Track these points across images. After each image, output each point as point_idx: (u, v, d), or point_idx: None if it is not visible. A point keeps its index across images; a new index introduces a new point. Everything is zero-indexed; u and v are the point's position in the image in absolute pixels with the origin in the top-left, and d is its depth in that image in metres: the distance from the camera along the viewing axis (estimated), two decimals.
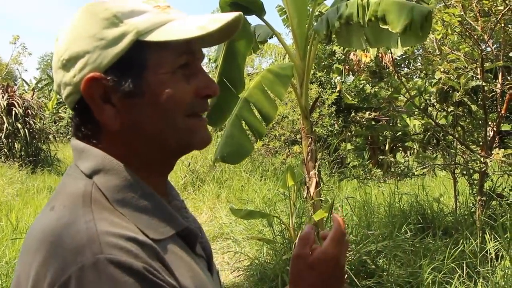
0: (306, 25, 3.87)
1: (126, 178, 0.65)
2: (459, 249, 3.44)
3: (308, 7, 3.99)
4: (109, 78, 0.64)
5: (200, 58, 0.72)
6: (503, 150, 3.44)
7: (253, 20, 4.19)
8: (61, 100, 18.39)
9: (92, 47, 0.64)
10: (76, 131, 0.70)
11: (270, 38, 4.34)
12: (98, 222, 0.58)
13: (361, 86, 9.04)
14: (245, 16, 3.75)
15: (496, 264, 3.20)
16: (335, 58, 9.33)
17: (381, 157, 9.12)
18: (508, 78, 3.67)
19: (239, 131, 3.18)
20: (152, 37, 0.64)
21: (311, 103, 4.21)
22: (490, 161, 3.34)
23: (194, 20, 0.67)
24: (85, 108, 0.67)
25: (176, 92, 0.67)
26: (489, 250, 3.29)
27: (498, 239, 3.41)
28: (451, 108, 4.07)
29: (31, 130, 10.06)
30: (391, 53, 4.38)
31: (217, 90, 0.72)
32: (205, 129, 0.73)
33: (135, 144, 0.69)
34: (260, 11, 3.62)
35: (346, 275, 3.44)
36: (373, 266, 3.59)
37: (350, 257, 3.69)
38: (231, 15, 0.68)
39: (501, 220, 3.43)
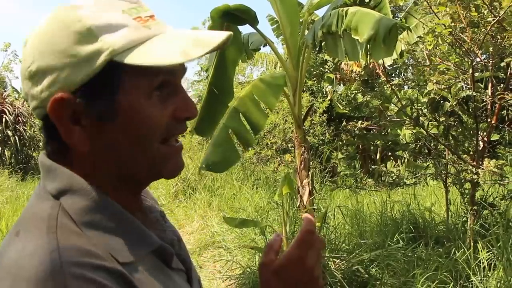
0: (299, 35, 3.88)
1: (94, 199, 0.61)
2: (452, 258, 3.45)
3: (300, 17, 4.01)
4: (78, 99, 0.59)
5: (180, 75, 0.67)
6: (494, 160, 3.47)
7: (245, 28, 4.20)
8: None
9: (61, 64, 0.58)
10: (45, 145, 0.66)
11: (263, 46, 4.37)
12: (62, 252, 0.54)
13: (352, 95, 9.10)
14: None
15: (489, 274, 3.22)
16: (326, 67, 9.40)
17: (372, 166, 9.19)
18: (498, 88, 3.72)
19: (225, 140, 3.15)
20: (128, 59, 0.58)
21: (303, 112, 4.22)
22: (482, 170, 3.36)
23: (176, 41, 0.62)
24: (52, 125, 0.61)
25: (150, 117, 0.62)
26: (482, 260, 3.31)
27: (491, 248, 3.42)
28: (443, 118, 4.10)
29: (21, 138, 9.98)
30: (383, 62, 4.41)
31: (196, 112, 0.67)
32: (179, 155, 0.69)
33: (105, 167, 0.64)
34: (253, 21, 3.62)
35: (339, 284, 3.43)
36: (366, 275, 3.59)
37: (342, 266, 3.69)
38: (216, 39, 0.62)
39: (493, 229, 3.45)
